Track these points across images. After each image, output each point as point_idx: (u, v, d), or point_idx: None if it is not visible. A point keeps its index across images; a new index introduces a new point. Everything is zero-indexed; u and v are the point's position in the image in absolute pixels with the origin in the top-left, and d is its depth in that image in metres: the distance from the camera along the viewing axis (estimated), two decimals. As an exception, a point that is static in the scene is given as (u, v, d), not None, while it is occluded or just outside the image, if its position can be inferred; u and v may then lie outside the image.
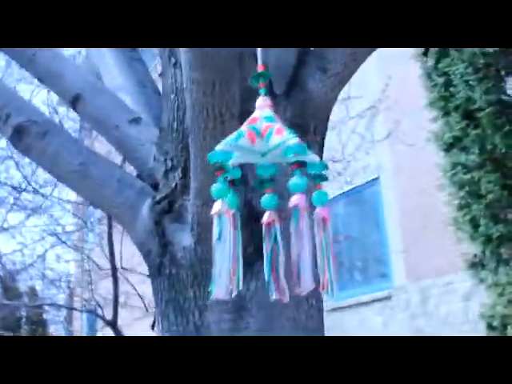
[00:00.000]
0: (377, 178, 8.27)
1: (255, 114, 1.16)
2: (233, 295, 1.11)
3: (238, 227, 1.15)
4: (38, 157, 2.15)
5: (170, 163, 2.06)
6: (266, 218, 1.11)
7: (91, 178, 2.13)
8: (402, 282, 7.74)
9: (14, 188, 8.52)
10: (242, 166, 1.87)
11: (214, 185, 1.14)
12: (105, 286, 7.90)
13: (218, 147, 1.13)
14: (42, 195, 8.08)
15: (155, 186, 2.11)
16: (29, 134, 2.11)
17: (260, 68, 1.18)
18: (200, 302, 1.93)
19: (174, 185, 2.03)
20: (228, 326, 1.90)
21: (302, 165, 1.07)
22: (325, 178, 1.12)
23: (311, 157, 1.09)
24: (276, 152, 1.10)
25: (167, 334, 2.00)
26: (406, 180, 7.54)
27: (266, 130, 1.12)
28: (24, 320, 16.27)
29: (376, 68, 7.85)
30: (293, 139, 1.04)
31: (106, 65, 2.76)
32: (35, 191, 7.99)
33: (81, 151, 2.17)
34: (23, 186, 8.07)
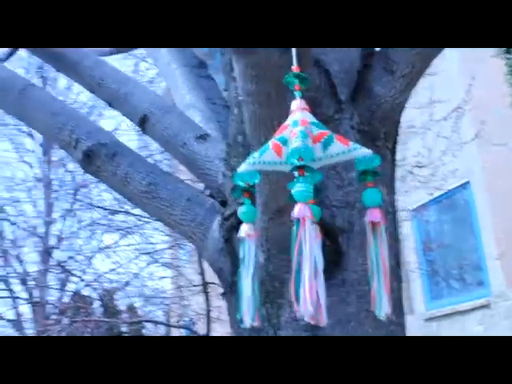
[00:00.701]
0: (467, 182, 7.93)
1: (287, 121, 1.10)
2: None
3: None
4: (108, 179, 2.17)
5: (237, 179, 2.03)
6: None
7: (160, 197, 2.12)
8: (500, 288, 7.35)
9: (107, 210, 8.82)
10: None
11: (241, 207, 1.10)
12: (198, 302, 8.00)
13: (240, 168, 1.07)
14: (134, 215, 8.29)
15: (225, 203, 2.07)
16: (98, 157, 2.14)
17: (295, 69, 1.11)
18: (274, 319, 1.87)
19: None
20: (302, 345, 1.82)
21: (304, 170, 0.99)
22: (378, 173, 1.03)
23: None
24: (336, 159, 1.04)
25: (242, 354, 1.94)
26: (498, 182, 7.18)
27: (323, 135, 1.05)
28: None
29: (458, 69, 7.56)
30: (363, 149, 0.98)
31: (176, 84, 2.78)
32: (127, 212, 8.21)
33: (149, 171, 2.17)
34: (116, 207, 8.33)
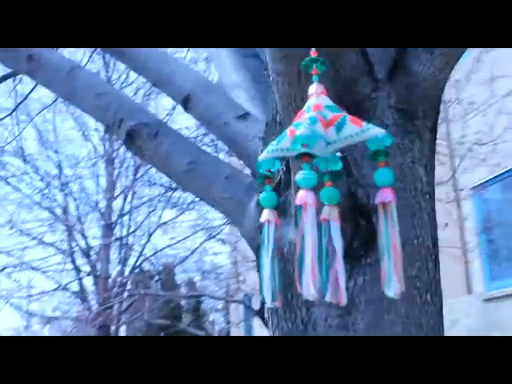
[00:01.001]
0: (530, 159, 7.67)
1: (306, 104, 1.10)
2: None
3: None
4: (150, 158, 2.23)
5: (273, 158, 2.04)
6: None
7: (200, 176, 2.16)
8: None
9: (166, 187, 9.01)
10: (344, 158, 1.80)
11: (262, 193, 1.11)
12: (253, 277, 8.10)
13: (261, 157, 1.09)
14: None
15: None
16: (140, 137, 2.19)
17: (313, 53, 1.11)
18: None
19: (278, 179, 2.00)
20: (335, 322, 1.84)
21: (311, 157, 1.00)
22: (388, 154, 1.03)
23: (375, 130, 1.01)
24: (345, 142, 1.04)
25: (276, 330, 1.98)
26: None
27: (336, 118, 1.05)
28: (184, 309, 17.18)
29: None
30: (376, 129, 0.98)
31: (223, 64, 2.81)
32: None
33: (190, 150, 2.21)
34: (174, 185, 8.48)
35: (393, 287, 1.01)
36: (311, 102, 1.07)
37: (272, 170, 1.10)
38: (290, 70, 1.51)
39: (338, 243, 1.11)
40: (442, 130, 5.30)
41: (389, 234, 1.01)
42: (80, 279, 10.45)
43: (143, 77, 2.53)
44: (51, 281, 10.54)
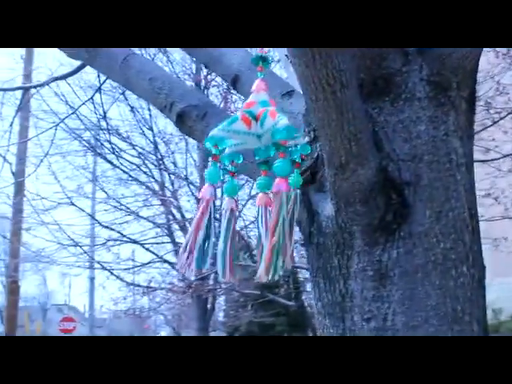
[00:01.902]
0: None
1: (251, 98, 1.18)
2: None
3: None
4: (200, 138, 2.34)
5: (312, 134, 2.09)
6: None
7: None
8: None
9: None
10: (375, 133, 1.84)
11: (208, 169, 1.19)
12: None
13: (212, 133, 1.17)
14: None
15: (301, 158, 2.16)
16: (190, 118, 2.31)
17: (261, 51, 1.18)
18: (344, 270, 1.95)
19: (315, 155, 2.05)
20: (371, 294, 1.89)
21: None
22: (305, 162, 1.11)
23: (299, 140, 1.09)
24: (268, 134, 1.12)
25: (318, 301, 2.05)
26: None
27: (260, 114, 1.14)
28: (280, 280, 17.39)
29: None
30: (283, 120, 1.05)
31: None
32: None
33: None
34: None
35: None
36: (248, 99, 1.15)
37: (220, 146, 1.18)
38: (304, 51, 1.55)
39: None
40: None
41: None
42: (176, 251, 10.87)
43: (196, 58, 2.63)
44: (149, 253, 11.05)
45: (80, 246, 10.54)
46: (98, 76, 5.20)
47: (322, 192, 2.03)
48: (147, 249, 10.98)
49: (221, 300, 15.26)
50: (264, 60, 1.18)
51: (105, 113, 9.69)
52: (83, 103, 7.41)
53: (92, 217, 11.21)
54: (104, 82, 5.33)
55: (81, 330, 19.72)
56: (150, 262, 10.92)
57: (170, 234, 11.33)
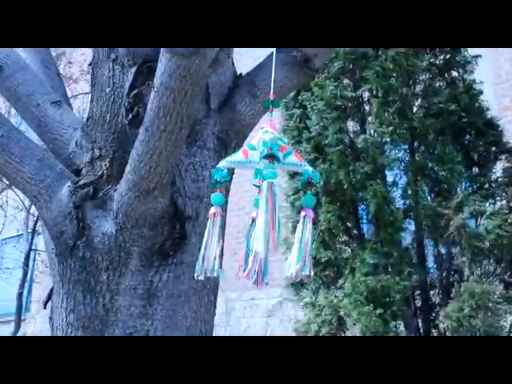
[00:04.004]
0: None
1: (258, 135, 1.41)
2: None
3: None
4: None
5: (97, 152, 2.17)
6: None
7: (11, 152, 2.15)
8: None
9: None
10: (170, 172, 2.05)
11: (215, 195, 1.38)
12: None
13: (220, 164, 1.38)
14: None
15: (77, 172, 2.19)
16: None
17: (271, 96, 1.43)
18: (113, 285, 2.06)
19: (100, 173, 2.14)
20: (137, 311, 2.05)
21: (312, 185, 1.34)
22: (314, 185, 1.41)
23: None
24: (290, 167, 1.38)
25: (71, 313, 2.08)
26: None
27: (285, 148, 1.38)
28: None
29: None
30: (308, 167, 1.33)
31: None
32: None
33: (3, 124, 2.18)
34: None
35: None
36: (267, 128, 1.38)
37: (222, 179, 1.36)
38: (182, 87, 1.74)
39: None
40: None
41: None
42: None
43: None
44: None
45: None
46: None
47: (101, 209, 2.11)
48: None
49: None
50: (273, 103, 1.39)
51: None
52: None
53: None
54: None
55: None
56: None
57: None
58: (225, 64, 2.18)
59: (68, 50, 9.41)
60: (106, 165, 2.14)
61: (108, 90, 2.21)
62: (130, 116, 2.15)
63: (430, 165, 4.66)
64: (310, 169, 1.36)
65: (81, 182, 2.13)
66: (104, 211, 2.10)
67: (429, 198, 4.65)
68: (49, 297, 2.27)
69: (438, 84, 4.88)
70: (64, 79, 4.43)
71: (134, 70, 2.18)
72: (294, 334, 5.04)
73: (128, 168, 2.00)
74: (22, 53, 2.69)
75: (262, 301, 8.19)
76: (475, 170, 4.86)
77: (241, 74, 2.31)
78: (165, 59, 1.72)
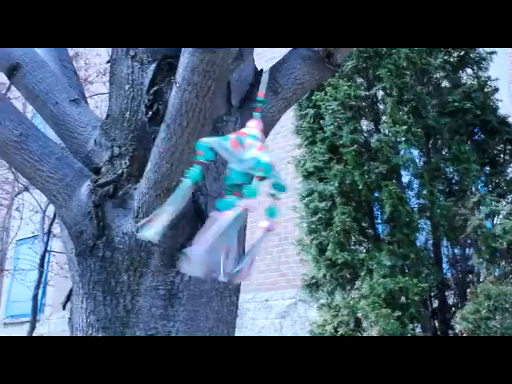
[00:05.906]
0: None
1: (244, 130, 1.40)
2: None
3: None
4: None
5: (117, 150, 2.13)
6: None
7: (30, 150, 2.11)
8: None
9: None
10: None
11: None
12: None
13: (206, 139, 1.36)
14: None
15: (97, 170, 2.15)
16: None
17: (260, 95, 1.40)
18: (134, 286, 2.02)
19: (120, 171, 2.10)
20: (159, 312, 2.01)
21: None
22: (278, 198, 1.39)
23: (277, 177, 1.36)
24: (249, 163, 1.36)
25: (91, 314, 2.04)
26: None
27: (249, 144, 1.37)
28: None
29: None
30: (266, 157, 1.30)
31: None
32: None
33: (22, 122, 2.15)
34: None
35: None
36: (255, 132, 1.37)
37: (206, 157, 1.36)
38: (205, 83, 1.70)
39: None
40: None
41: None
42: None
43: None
44: None
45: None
46: None
47: (122, 208, 2.07)
48: None
49: None
50: (261, 102, 1.38)
51: None
52: None
53: None
54: None
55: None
56: None
57: None
58: (247, 58, 2.14)
59: (81, 51, 9.41)
60: (125, 163, 2.10)
61: (127, 87, 2.17)
62: (150, 113, 2.10)
63: (444, 164, 4.61)
64: (267, 159, 1.35)
65: (100, 181, 2.10)
66: (124, 210, 2.06)
67: (441, 197, 4.59)
68: (68, 298, 2.24)
69: (452, 82, 4.83)
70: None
71: (153, 66, 2.13)
72: (308, 335, 4.99)
73: (149, 166, 1.96)
74: (39, 51, 2.67)
75: (276, 301, 8.14)
76: (489, 168, 4.81)
77: (261, 69, 2.27)
78: (187, 53, 1.68)
